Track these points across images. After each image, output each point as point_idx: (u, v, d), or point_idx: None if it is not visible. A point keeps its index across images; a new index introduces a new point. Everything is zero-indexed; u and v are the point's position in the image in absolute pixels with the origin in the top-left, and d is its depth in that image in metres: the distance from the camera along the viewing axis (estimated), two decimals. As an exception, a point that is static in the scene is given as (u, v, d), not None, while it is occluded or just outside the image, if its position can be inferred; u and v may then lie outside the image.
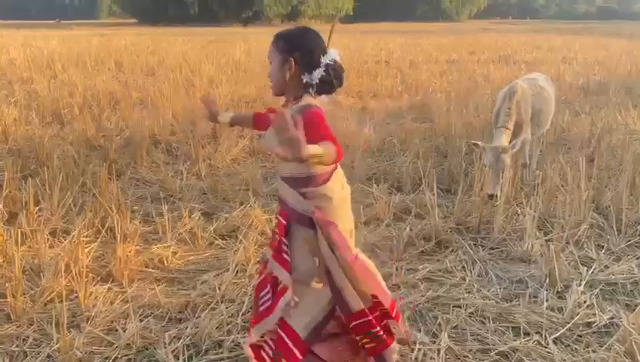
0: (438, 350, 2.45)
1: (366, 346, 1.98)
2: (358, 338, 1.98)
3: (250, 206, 4.01)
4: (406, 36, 24.25)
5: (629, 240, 3.57)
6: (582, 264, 3.24)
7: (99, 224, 3.67)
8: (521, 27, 39.88)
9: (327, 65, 1.90)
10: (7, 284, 2.89)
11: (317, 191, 1.92)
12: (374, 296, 1.96)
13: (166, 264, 3.26)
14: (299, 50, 1.89)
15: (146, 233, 3.70)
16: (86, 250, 3.22)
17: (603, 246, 3.49)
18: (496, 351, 2.46)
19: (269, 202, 4.21)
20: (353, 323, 1.96)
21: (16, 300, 2.67)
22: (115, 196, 3.97)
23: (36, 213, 3.71)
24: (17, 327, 2.61)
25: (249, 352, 2.07)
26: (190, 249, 3.48)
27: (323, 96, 1.96)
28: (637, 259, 3.32)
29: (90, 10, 67.42)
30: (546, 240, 3.49)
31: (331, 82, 1.93)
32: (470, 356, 2.43)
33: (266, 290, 2.03)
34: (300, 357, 1.91)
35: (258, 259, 2.06)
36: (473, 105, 7.43)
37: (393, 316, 2.01)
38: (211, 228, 3.71)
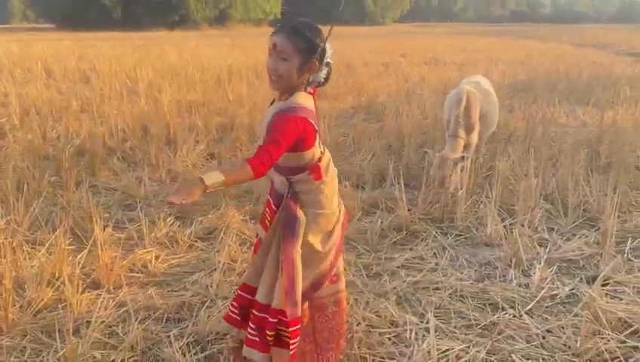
0: (427, 329, 2.66)
1: (248, 336, 2.05)
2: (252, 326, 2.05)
3: (224, 208, 4.07)
4: (336, 40, 24.66)
5: (575, 222, 3.96)
6: (539, 245, 3.58)
7: (70, 233, 3.61)
8: (444, 30, 41.70)
9: (328, 63, 2.01)
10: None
11: (301, 177, 2.02)
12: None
13: (150, 268, 3.28)
14: (320, 51, 1.93)
15: (121, 240, 3.68)
16: (69, 259, 3.17)
17: (554, 229, 3.87)
18: (479, 326, 2.71)
19: (241, 203, 4.29)
20: (256, 313, 2.04)
21: (7, 312, 2.62)
22: (86, 204, 3.91)
23: (3, 225, 3.60)
24: (11, 339, 2.56)
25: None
26: (171, 252, 3.51)
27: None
28: (584, 237, 3.70)
29: (-1, 15, 63.10)
30: (505, 226, 3.81)
31: (327, 79, 2.04)
32: (457, 331, 2.66)
33: None
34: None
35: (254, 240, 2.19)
36: (416, 105, 7.82)
37: (290, 331, 1.99)
38: (188, 231, 3.75)
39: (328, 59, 2.01)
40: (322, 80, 2.02)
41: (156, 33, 36.29)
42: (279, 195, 2.08)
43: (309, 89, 2.03)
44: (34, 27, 49.49)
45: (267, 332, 2.01)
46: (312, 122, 1.95)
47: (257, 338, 2.03)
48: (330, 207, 2.11)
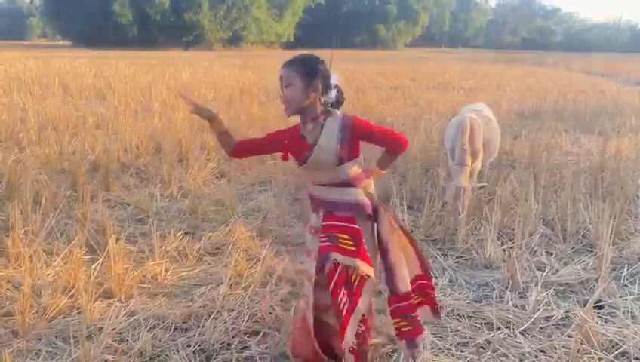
0: (424, 345, 2.76)
1: (402, 329, 2.24)
2: (395, 320, 2.24)
3: (233, 224, 4.21)
4: (347, 63, 25.08)
5: (573, 247, 4.06)
6: (537, 268, 3.68)
7: (85, 244, 3.76)
8: (454, 55, 42.06)
9: (336, 86, 2.26)
10: (8, 303, 2.99)
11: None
12: (412, 282, 2.33)
13: (160, 279, 3.42)
14: (320, 73, 2.20)
15: (133, 252, 3.82)
16: (83, 268, 3.32)
17: (552, 253, 3.96)
18: (473, 344, 2.81)
19: (249, 220, 4.43)
20: (394, 306, 2.23)
21: (24, 316, 2.76)
22: (100, 217, 4.07)
23: (22, 235, 3.76)
24: (27, 342, 2.70)
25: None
26: (181, 265, 3.65)
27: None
28: (582, 262, 3.79)
29: (17, 32, 64.46)
30: (504, 249, 3.92)
31: (340, 100, 2.29)
32: (453, 349, 2.76)
33: (342, 293, 2.18)
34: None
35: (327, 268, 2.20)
36: (422, 129, 7.97)
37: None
38: (197, 246, 3.89)
39: (335, 82, 2.25)
40: (334, 99, 2.26)
41: (171, 53, 37.01)
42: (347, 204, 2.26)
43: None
44: (52, 44, 50.63)
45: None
46: None
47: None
48: None
